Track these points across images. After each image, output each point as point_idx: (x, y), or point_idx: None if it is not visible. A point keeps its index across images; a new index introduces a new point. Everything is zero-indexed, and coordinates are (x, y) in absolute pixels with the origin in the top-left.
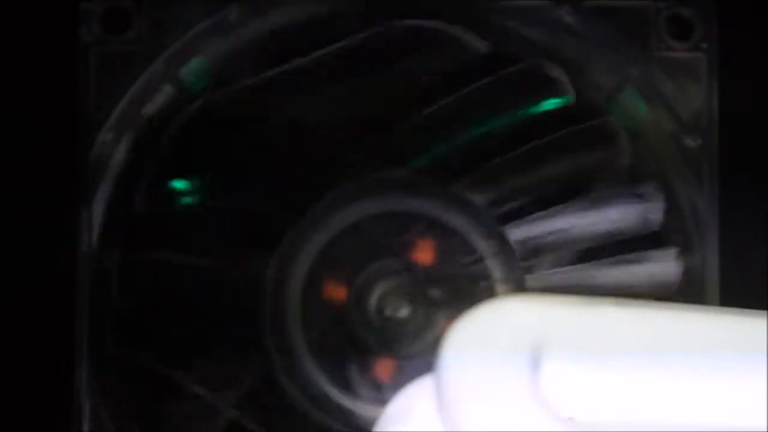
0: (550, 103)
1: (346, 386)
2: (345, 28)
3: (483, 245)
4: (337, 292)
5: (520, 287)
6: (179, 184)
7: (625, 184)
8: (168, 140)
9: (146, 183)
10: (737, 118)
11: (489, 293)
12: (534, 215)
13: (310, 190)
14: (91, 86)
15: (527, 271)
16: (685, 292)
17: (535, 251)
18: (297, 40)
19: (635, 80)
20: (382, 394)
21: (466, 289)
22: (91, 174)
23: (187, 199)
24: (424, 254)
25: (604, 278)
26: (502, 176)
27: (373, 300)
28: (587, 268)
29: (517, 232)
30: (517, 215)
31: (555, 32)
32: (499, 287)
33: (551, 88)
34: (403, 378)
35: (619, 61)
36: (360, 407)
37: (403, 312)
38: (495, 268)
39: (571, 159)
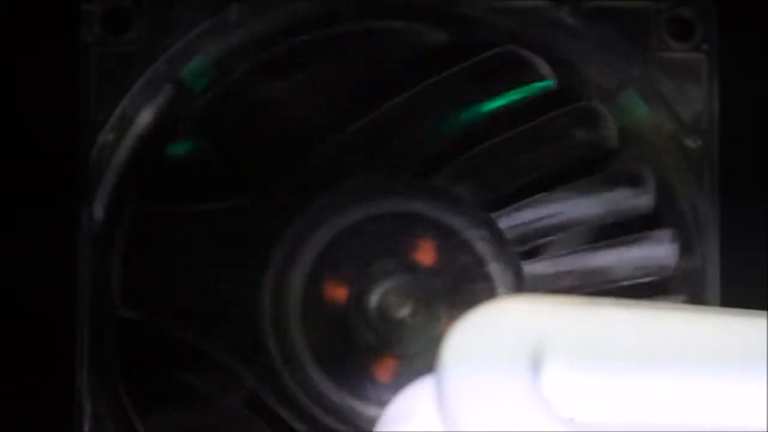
0: (532, 89)
1: (347, 386)
2: (344, 27)
3: (480, 242)
4: (337, 292)
5: (518, 276)
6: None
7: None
8: (168, 140)
9: (146, 183)
10: (737, 119)
11: (489, 294)
12: (524, 201)
13: (310, 190)
14: (91, 87)
15: (526, 256)
16: (685, 292)
17: (530, 237)
18: (297, 39)
19: (636, 81)
20: (382, 395)
21: (466, 290)
22: (91, 174)
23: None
24: (424, 255)
25: (599, 262)
26: (485, 164)
27: (373, 300)
28: (583, 252)
29: (507, 220)
30: (507, 202)
31: (555, 32)
32: (498, 282)
33: (529, 73)
34: (403, 378)
35: (620, 61)
36: (360, 407)
37: (404, 312)
38: (491, 258)
39: (556, 143)
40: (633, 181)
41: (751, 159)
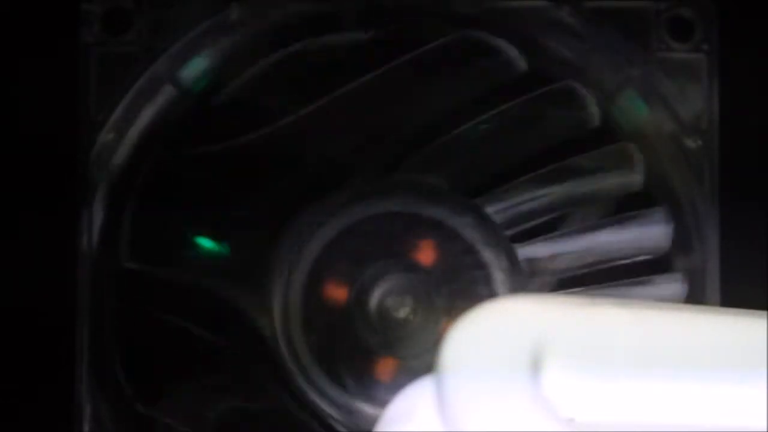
0: (500, 72)
1: (347, 386)
2: (345, 27)
3: (482, 243)
4: (338, 292)
5: (516, 271)
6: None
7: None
8: (169, 140)
9: (146, 183)
10: (737, 119)
11: (490, 293)
12: (511, 184)
13: (310, 191)
14: (91, 87)
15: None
16: (682, 270)
17: (521, 220)
18: (297, 39)
19: (636, 81)
20: (382, 395)
21: (466, 290)
22: (91, 174)
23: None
24: (424, 254)
25: (594, 242)
26: (465, 151)
27: (373, 300)
28: (578, 232)
29: (495, 205)
30: (493, 186)
31: (555, 33)
32: (492, 266)
33: (494, 57)
34: (403, 378)
35: (620, 62)
36: (361, 407)
37: (404, 312)
38: (485, 248)
39: (532, 126)
40: (620, 159)
41: (751, 159)
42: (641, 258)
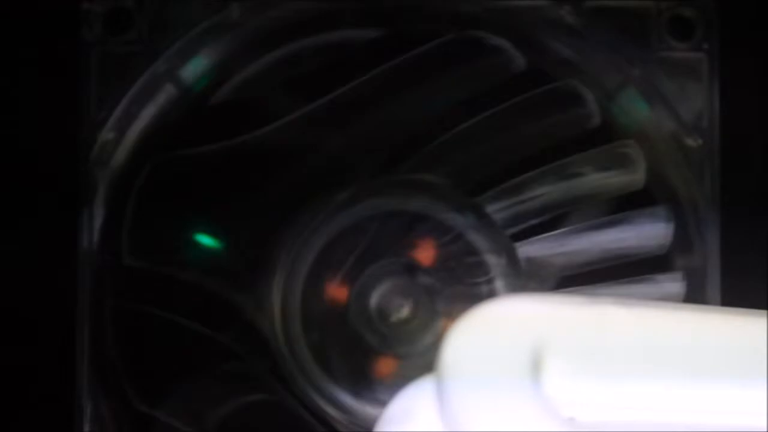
0: (499, 71)
1: (347, 386)
2: (345, 26)
3: (482, 243)
4: (338, 292)
5: (516, 271)
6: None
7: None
8: (169, 140)
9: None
10: (738, 118)
11: (490, 293)
12: (510, 183)
13: (310, 190)
14: (92, 86)
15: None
16: (683, 269)
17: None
18: (297, 39)
19: (636, 80)
20: (382, 394)
21: (466, 289)
22: (91, 174)
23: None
24: (424, 254)
25: (595, 240)
26: (466, 150)
27: (374, 300)
28: (578, 231)
29: (495, 204)
30: (492, 186)
31: (556, 32)
32: (494, 269)
33: (493, 56)
34: (403, 378)
35: (621, 61)
36: (361, 407)
37: (404, 312)
38: (486, 250)
39: (532, 124)
40: (621, 158)
41: (751, 158)
42: (642, 257)
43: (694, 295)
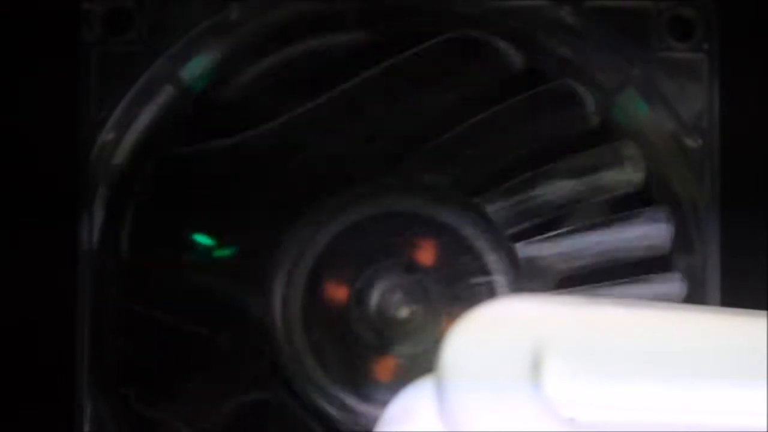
0: (497, 72)
1: (347, 386)
2: (345, 26)
3: (482, 243)
4: (338, 292)
5: (516, 272)
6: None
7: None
8: (169, 140)
9: (147, 183)
10: (738, 119)
11: (490, 293)
12: (509, 183)
13: (310, 190)
14: (92, 86)
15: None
16: (682, 270)
17: (519, 220)
18: (297, 39)
19: (636, 80)
20: (382, 394)
21: (466, 289)
22: (91, 174)
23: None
24: (424, 254)
25: (595, 241)
26: (464, 149)
27: (374, 300)
28: (578, 232)
29: (495, 204)
30: (491, 186)
31: (556, 32)
32: (495, 270)
33: (491, 56)
34: (403, 378)
35: (620, 61)
36: (360, 407)
37: (404, 312)
38: (487, 251)
39: (530, 124)
40: (619, 158)
41: (751, 158)
42: (641, 258)
43: (694, 296)
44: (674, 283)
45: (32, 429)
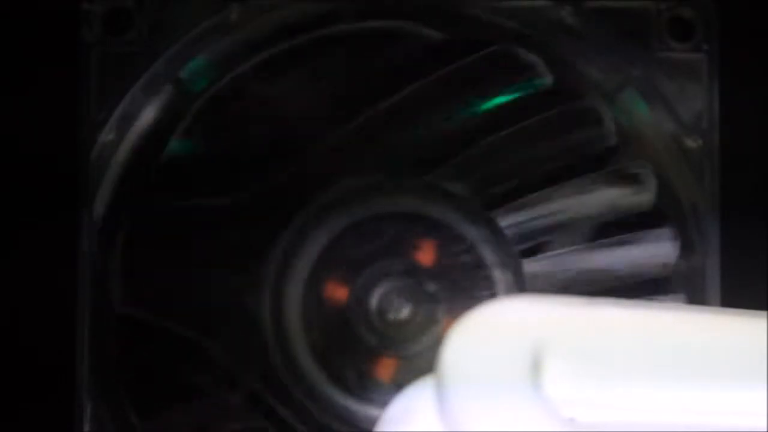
0: (529, 87)
1: (347, 386)
2: (345, 26)
3: (480, 242)
4: (338, 292)
5: (518, 275)
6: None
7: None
8: (168, 140)
9: (147, 182)
10: (738, 119)
11: (490, 294)
12: (523, 200)
13: (310, 190)
14: (92, 87)
15: (526, 255)
16: (685, 291)
17: (529, 236)
18: (297, 39)
19: (636, 81)
20: (382, 395)
21: (467, 290)
22: (91, 174)
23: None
24: (425, 255)
25: (600, 260)
26: (483, 163)
27: (374, 300)
28: (584, 250)
29: (506, 219)
30: (505, 201)
31: (556, 32)
32: (498, 281)
33: (527, 72)
34: (403, 378)
35: (620, 61)
36: (361, 407)
37: (404, 312)
38: (491, 257)
39: (554, 141)
40: (633, 178)
41: (751, 159)
42: (647, 277)
43: (694, 297)
44: (665, 242)
45: (32, 429)
